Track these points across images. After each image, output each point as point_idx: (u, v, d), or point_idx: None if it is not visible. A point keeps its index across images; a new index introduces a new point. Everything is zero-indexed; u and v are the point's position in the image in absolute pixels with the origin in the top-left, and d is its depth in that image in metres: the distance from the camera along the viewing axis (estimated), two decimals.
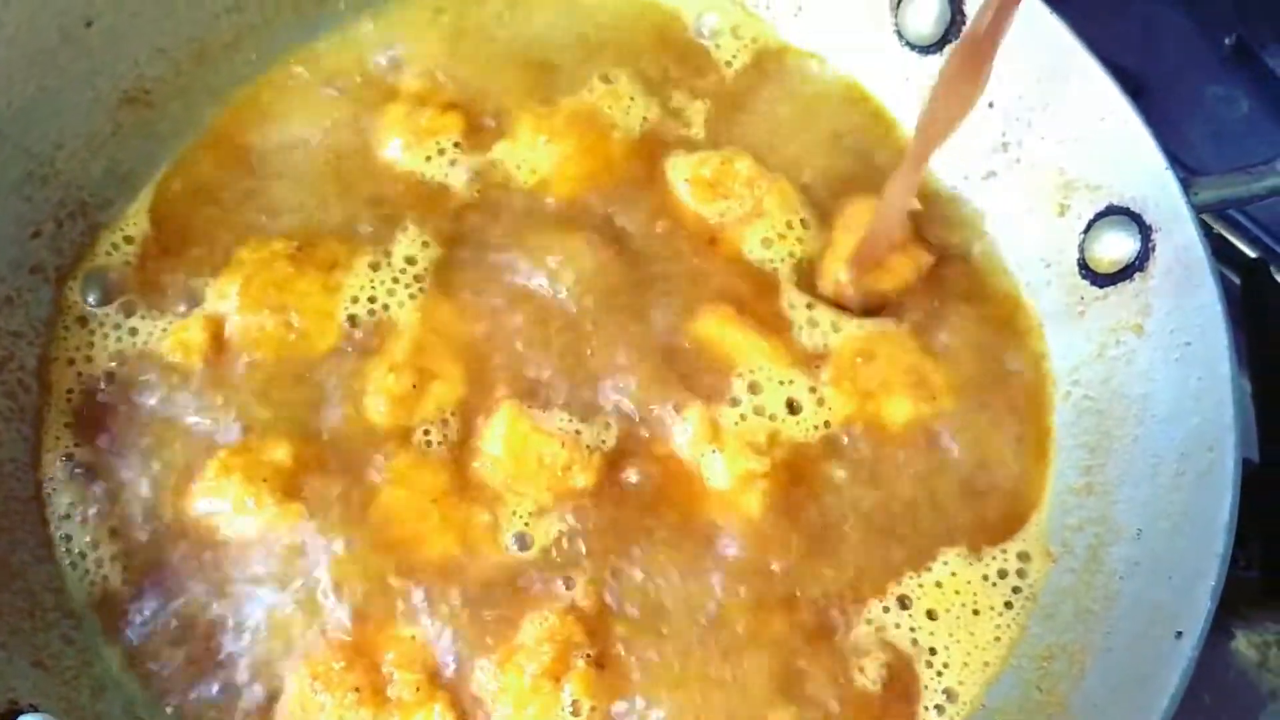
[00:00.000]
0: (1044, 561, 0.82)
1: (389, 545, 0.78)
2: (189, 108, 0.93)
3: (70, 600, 0.78)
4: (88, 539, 0.79)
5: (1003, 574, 0.82)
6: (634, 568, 0.78)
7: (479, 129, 0.94)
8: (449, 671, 0.75)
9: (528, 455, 0.80)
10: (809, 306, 0.89)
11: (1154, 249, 0.82)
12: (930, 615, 0.80)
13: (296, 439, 0.81)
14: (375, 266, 0.87)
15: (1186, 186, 0.80)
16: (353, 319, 0.85)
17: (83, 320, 0.85)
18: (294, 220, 0.89)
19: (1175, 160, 0.82)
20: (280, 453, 0.79)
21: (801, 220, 0.92)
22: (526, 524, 0.79)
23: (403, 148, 0.92)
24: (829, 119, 0.99)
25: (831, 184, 0.95)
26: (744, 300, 0.88)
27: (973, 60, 0.77)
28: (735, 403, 0.84)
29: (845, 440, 0.84)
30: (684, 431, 0.82)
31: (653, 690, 0.75)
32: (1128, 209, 0.84)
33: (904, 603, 0.81)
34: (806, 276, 0.90)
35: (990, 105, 0.92)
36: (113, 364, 0.84)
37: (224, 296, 0.84)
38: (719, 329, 0.86)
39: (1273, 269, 1.02)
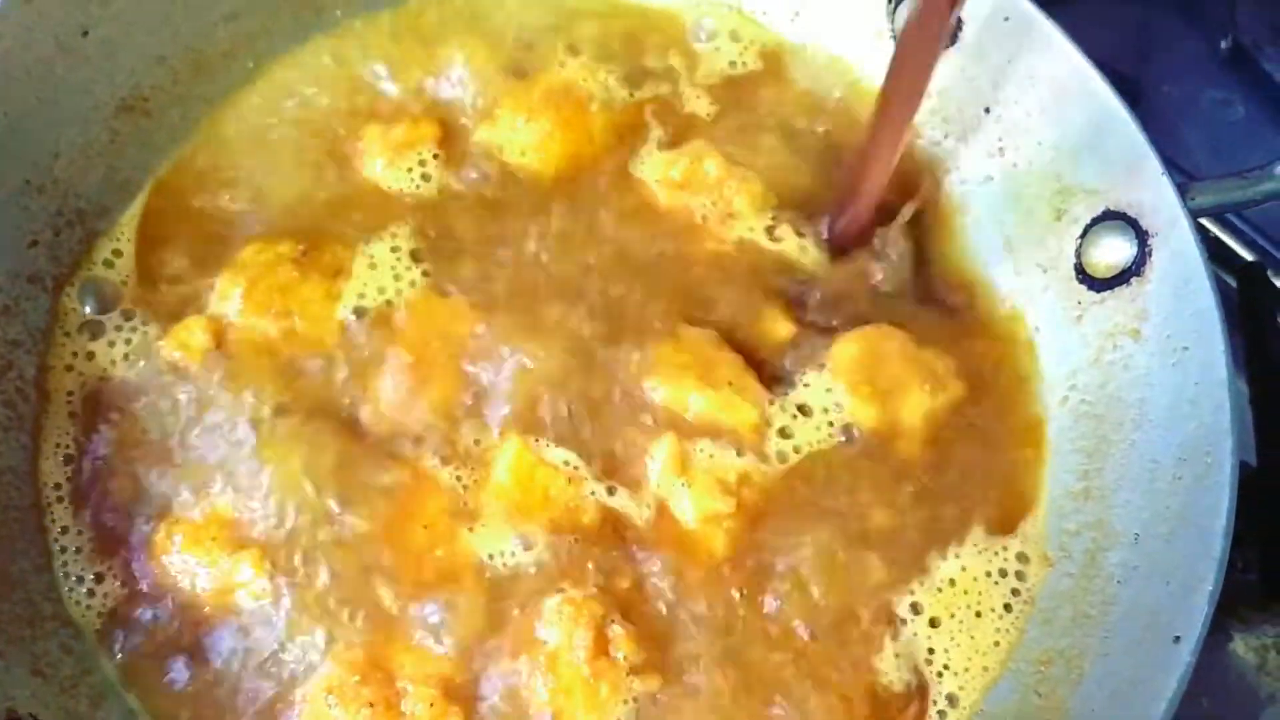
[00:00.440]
0: (1041, 565, 0.82)
1: (393, 556, 0.78)
2: (186, 116, 0.93)
3: (69, 609, 0.78)
4: (86, 549, 0.79)
5: (1004, 573, 0.82)
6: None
7: (456, 132, 0.95)
8: (465, 684, 0.75)
9: (533, 486, 0.80)
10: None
11: (1150, 254, 0.82)
12: (933, 623, 0.80)
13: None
14: (372, 266, 0.88)
15: (1183, 191, 0.80)
16: (355, 315, 0.86)
17: (80, 328, 0.85)
18: (288, 224, 0.90)
19: (1172, 164, 0.82)
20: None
21: (772, 218, 0.93)
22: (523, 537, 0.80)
23: (384, 165, 0.92)
24: (825, 120, 0.99)
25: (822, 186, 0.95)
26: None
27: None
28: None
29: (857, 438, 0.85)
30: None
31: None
32: (1124, 214, 0.84)
33: (916, 608, 0.81)
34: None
35: (987, 110, 0.93)
36: (111, 371, 0.84)
37: (227, 298, 0.84)
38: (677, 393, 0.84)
39: (1270, 272, 1.02)
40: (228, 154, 0.93)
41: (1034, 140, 0.90)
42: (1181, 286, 0.79)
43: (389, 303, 0.86)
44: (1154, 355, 0.81)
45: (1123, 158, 0.83)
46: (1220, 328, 0.76)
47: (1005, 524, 0.84)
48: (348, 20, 0.99)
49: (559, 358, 0.84)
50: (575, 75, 0.96)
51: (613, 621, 0.75)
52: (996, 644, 0.80)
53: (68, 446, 0.82)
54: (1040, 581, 0.82)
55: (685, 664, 0.77)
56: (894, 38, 0.96)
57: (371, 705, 0.73)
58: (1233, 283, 1.01)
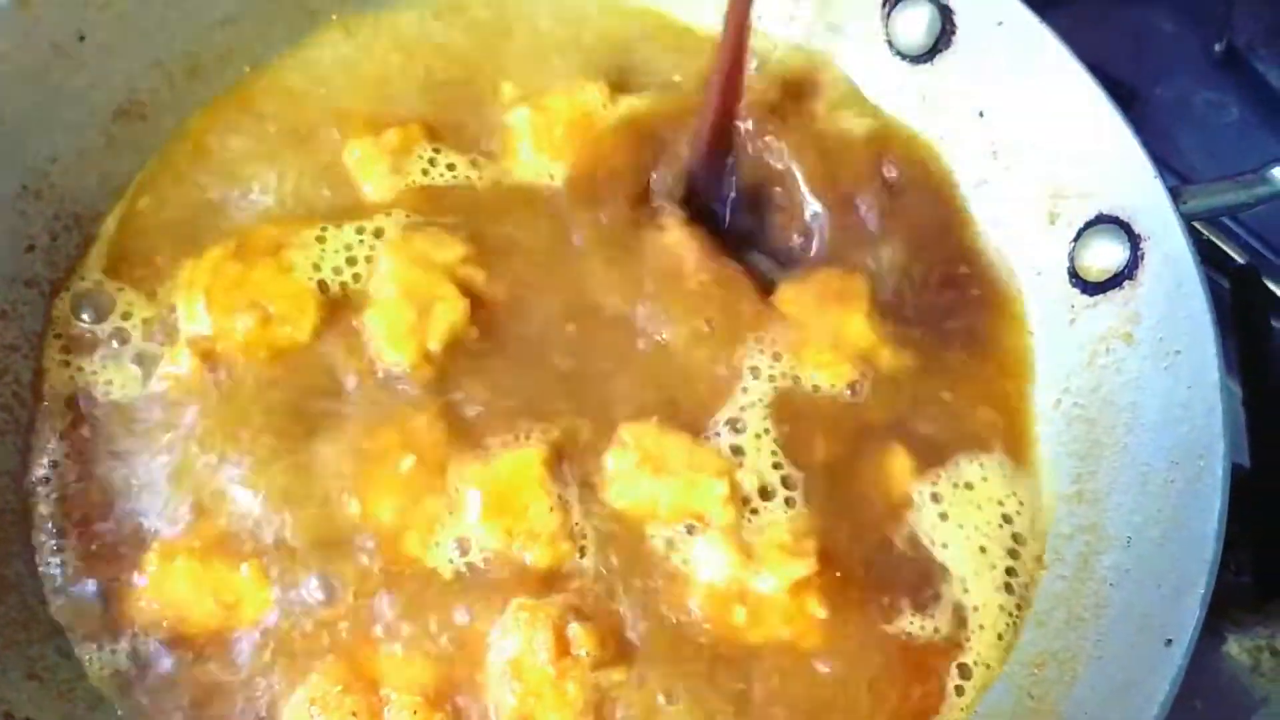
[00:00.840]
0: (1035, 568, 0.83)
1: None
2: (182, 120, 0.93)
3: (64, 613, 0.78)
4: (79, 552, 0.79)
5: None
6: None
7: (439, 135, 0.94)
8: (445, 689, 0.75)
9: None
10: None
11: (1143, 258, 0.82)
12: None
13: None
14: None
15: (1175, 195, 0.81)
16: (323, 285, 0.85)
17: (76, 333, 0.85)
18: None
19: (1166, 166, 0.83)
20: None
21: None
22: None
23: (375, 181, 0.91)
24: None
25: None
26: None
27: None
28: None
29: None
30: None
31: None
32: (1117, 218, 0.84)
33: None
34: None
35: (980, 114, 0.93)
36: (107, 375, 0.84)
37: (194, 319, 0.83)
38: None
39: (1263, 275, 1.03)
40: (214, 159, 0.93)
41: (1027, 144, 0.91)
42: (1174, 290, 0.79)
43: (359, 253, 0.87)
44: (1146, 359, 0.81)
45: (1115, 162, 0.84)
46: (1212, 331, 0.76)
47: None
48: (344, 25, 0.99)
49: None
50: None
51: (570, 621, 0.75)
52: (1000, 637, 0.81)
53: (62, 451, 0.82)
54: (1033, 584, 0.82)
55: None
56: (888, 42, 0.96)
57: (354, 715, 0.73)
58: (1227, 285, 1.01)
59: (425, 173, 0.92)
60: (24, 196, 0.84)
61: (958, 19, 0.92)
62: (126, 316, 0.86)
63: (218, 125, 0.94)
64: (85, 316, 0.86)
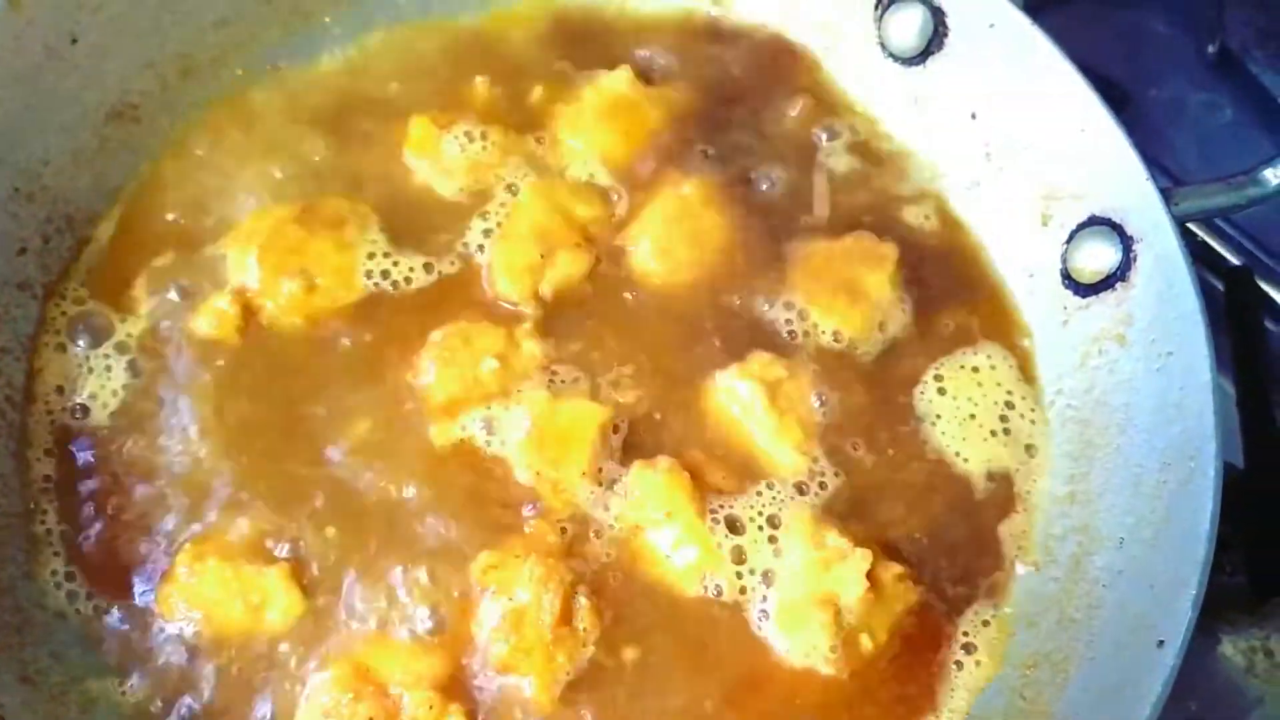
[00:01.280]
0: (1028, 570, 0.83)
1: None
2: (175, 122, 0.93)
3: (58, 616, 0.78)
4: (74, 555, 0.79)
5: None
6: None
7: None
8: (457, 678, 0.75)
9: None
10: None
11: (1135, 259, 0.82)
12: None
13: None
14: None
15: (1167, 197, 0.81)
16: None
17: (70, 336, 0.85)
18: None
19: (1160, 168, 0.83)
20: None
21: None
22: None
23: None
24: None
25: None
26: None
27: None
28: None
29: None
30: None
31: None
32: (1109, 219, 0.84)
33: None
34: None
35: (973, 116, 0.93)
36: (102, 377, 0.84)
37: (243, 270, 0.85)
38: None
39: (1257, 276, 1.03)
40: (208, 161, 0.93)
41: (1020, 145, 0.91)
42: (1166, 291, 0.79)
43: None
44: (1139, 360, 0.81)
45: (1108, 163, 0.84)
46: (1204, 332, 0.76)
47: None
48: (341, 29, 0.99)
49: None
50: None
51: (578, 593, 0.75)
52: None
53: (55, 454, 0.81)
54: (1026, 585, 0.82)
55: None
56: (881, 44, 0.97)
57: None
58: (1220, 286, 1.01)
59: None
60: (16, 199, 0.84)
61: (950, 21, 0.92)
62: (122, 320, 0.86)
63: (211, 127, 0.94)
64: (79, 322, 0.85)
